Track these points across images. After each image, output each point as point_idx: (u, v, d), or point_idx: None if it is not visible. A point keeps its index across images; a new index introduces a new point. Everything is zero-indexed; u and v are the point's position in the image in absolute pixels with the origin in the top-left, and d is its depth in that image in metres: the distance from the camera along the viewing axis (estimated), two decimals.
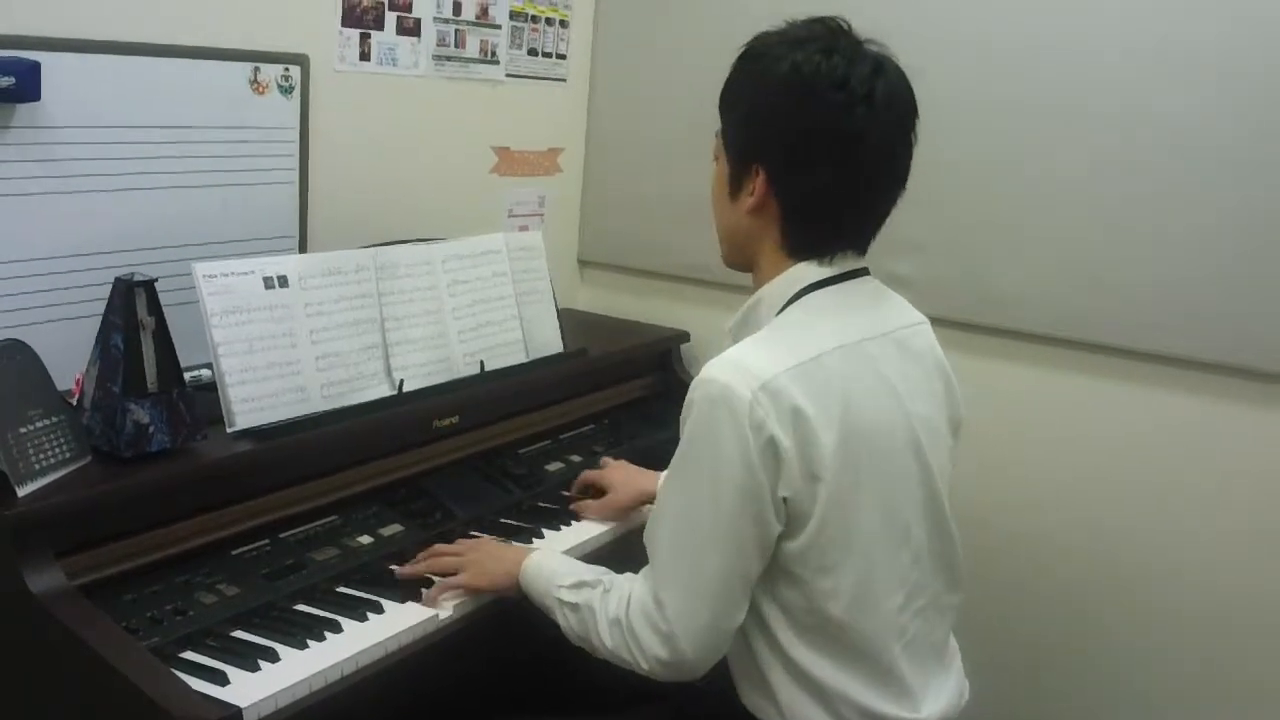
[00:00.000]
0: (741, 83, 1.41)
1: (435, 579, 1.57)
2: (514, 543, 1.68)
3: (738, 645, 1.41)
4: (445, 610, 1.52)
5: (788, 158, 1.35)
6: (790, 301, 1.39)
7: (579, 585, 1.44)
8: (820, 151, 1.33)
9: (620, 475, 1.86)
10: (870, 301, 1.44)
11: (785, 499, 1.30)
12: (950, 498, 1.47)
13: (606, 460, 1.95)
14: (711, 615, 1.32)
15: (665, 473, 1.39)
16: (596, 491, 1.88)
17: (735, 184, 1.41)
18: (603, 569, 1.48)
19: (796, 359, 1.30)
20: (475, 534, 1.73)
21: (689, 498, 1.33)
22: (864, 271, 1.44)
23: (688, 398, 1.33)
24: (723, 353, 1.34)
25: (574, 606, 1.43)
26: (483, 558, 1.58)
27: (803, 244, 1.39)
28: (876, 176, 1.37)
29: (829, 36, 1.36)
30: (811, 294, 1.38)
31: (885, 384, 1.38)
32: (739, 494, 1.28)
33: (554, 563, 1.52)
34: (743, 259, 1.46)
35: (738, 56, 1.42)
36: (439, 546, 1.63)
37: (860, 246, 1.43)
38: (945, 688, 1.47)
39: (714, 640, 1.34)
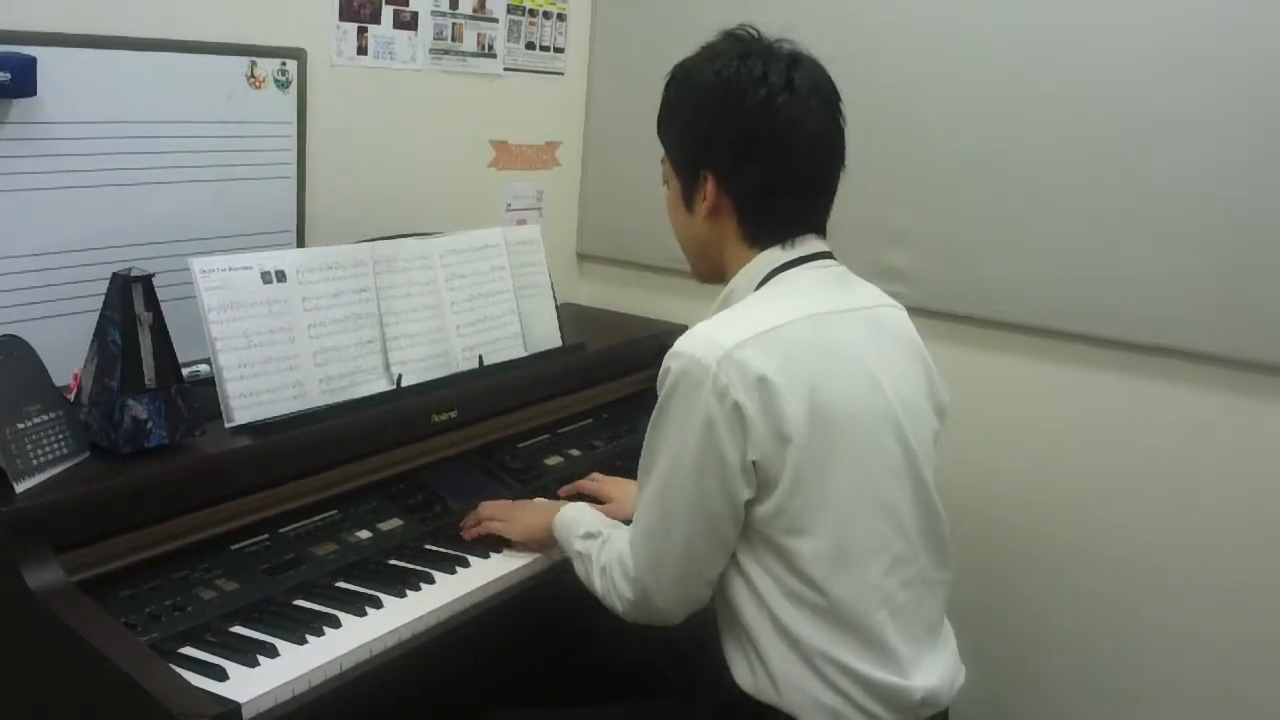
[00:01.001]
0: (673, 103, 1.52)
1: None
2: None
3: (727, 614, 1.45)
4: (444, 600, 1.53)
5: (729, 155, 1.45)
6: (760, 284, 1.46)
7: (588, 536, 1.55)
8: (756, 142, 1.43)
9: (620, 489, 1.86)
10: (839, 282, 1.51)
11: (755, 462, 1.35)
12: (937, 479, 1.50)
13: (596, 475, 1.93)
14: (677, 571, 1.41)
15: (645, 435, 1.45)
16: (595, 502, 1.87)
17: (688, 196, 1.50)
18: (613, 523, 1.58)
19: (763, 327, 1.37)
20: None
21: (659, 461, 1.41)
22: (829, 255, 1.50)
23: (662, 367, 1.41)
24: (694, 326, 1.41)
25: (581, 555, 1.54)
26: (524, 514, 1.70)
27: (762, 232, 1.47)
28: (813, 156, 1.46)
29: (742, 44, 1.48)
30: (780, 274, 1.46)
31: (854, 356, 1.43)
32: (702, 462, 1.36)
33: (577, 514, 1.61)
34: (712, 266, 1.54)
35: (665, 84, 1.53)
36: (487, 505, 1.74)
37: (818, 228, 1.51)
38: (939, 664, 1.49)
39: (682, 593, 1.43)
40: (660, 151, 1.55)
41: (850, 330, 1.45)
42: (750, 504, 1.38)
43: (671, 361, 1.38)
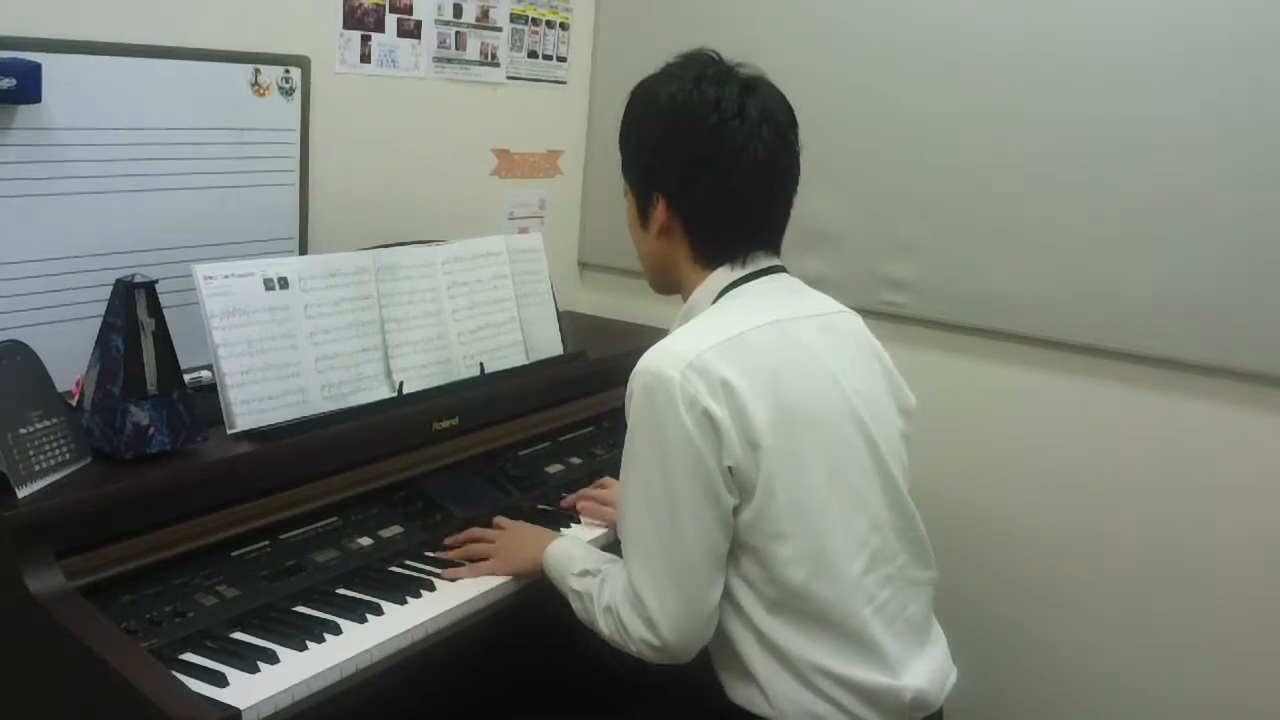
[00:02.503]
0: (629, 122, 1.56)
1: (467, 563, 1.63)
2: (544, 528, 1.71)
3: (716, 632, 1.44)
4: (445, 608, 1.52)
5: (678, 178, 1.48)
6: (717, 300, 1.49)
7: (584, 573, 1.51)
8: (705, 168, 1.46)
9: None
10: (791, 292, 1.54)
11: (730, 468, 1.36)
12: (914, 481, 1.52)
13: (606, 480, 1.92)
14: (681, 596, 1.38)
15: (621, 461, 1.44)
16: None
17: (643, 213, 1.54)
18: (609, 556, 1.54)
19: (722, 336, 1.40)
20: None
21: (643, 485, 1.40)
22: (780, 269, 1.53)
23: (627, 390, 1.42)
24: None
25: (578, 594, 1.50)
26: (512, 543, 1.65)
27: (712, 253, 1.50)
28: (761, 181, 1.48)
29: (699, 67, 1.50)
30: (733, 290, 1.49)
31: (813, 356, 1.46)
32: (688, 473, 1.36)
33: (570, 549, 1.58)
34: (668, 280, 1.57)
35: (627, 101, 1.56)
36: (475, 531, 1.69)
37: (770, 246, 1.54)
38: (928, 665, 1.49)
39: (691, 623, 1.39)
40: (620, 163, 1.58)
41: (807, 335, 1.47)
42: (734, 511, 1.39)
43: (635, 380, 1.40)
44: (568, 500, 1.87)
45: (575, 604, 1.51)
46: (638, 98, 1.54)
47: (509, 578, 1.60)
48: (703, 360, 1.36)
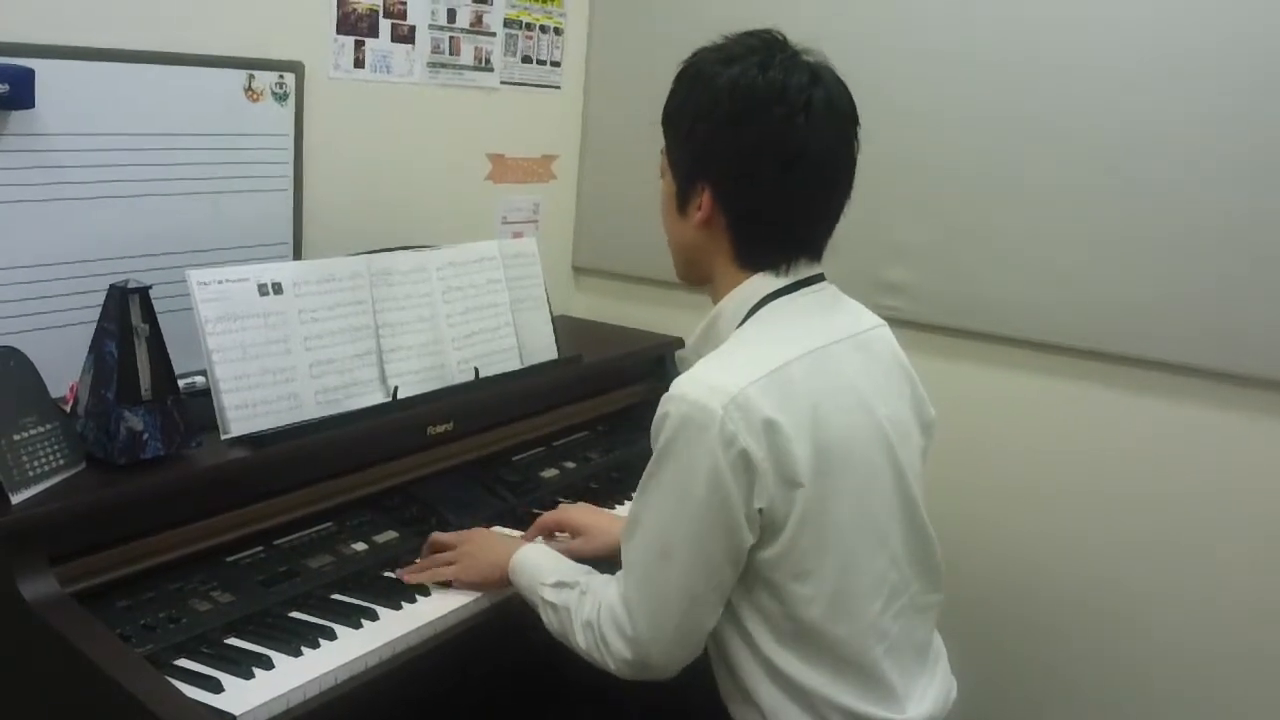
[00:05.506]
0: (682, 101, 1.41)
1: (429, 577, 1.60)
2: (507, 534, 1.68)
3: (719, 654, 1.42)
4: (439, 613, 1.53)
5: (732, 174, 1.36)
6: (749, 314, 1.40)
7: (560, 585, 1.46)
8: (763, 165, 1.35)
9: (590, 518, 1.74)
10: (828, 308, 1.45)
11: (761, 509, 1.30)
12: (925, 497, 1.48)
13: (563, 505, 1.85)
14: (678, 624, 1.34)
15: (640, 481, 1.38)
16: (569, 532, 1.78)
17: (683, 200, 1.42)
18: (585, 569, 1.50)
19: (763, 370, 1.31)
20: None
21: (660, 511, 1.34)
22: (820, 278, 1.45)
23: (659, 413, 1.33)
24: (690, 369, 1.34)
25: (554, 606, 1.45)
26: (475, 550, 1.60)
27: (755, 256, 1.40)
28: (820, 185, 1.38)
29: (764, 49, 1.37)
30: (769, 304, 1.39)
31: (851, 387, 1.39)
32: (708, 510, 1.29)
33: (540, 559, 1.53)
34: (697, 274, 1.47)
35: (677, 75, 1.43)
36: (437, 536, 1.65)
37: (814, 253, 1.44)
38: (932, 687, 1.48)
39: (680, 647, 1.36)
40: (660, 141, 1.45)
41: (845, 361, 1.40)
42: (754, 549, 1.33)
43: (670, 406, 1.31)
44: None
45: (547, 615, 1.46)
46: (695, 77, 1.39)
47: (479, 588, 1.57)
48: (746, 396, 1.27)
